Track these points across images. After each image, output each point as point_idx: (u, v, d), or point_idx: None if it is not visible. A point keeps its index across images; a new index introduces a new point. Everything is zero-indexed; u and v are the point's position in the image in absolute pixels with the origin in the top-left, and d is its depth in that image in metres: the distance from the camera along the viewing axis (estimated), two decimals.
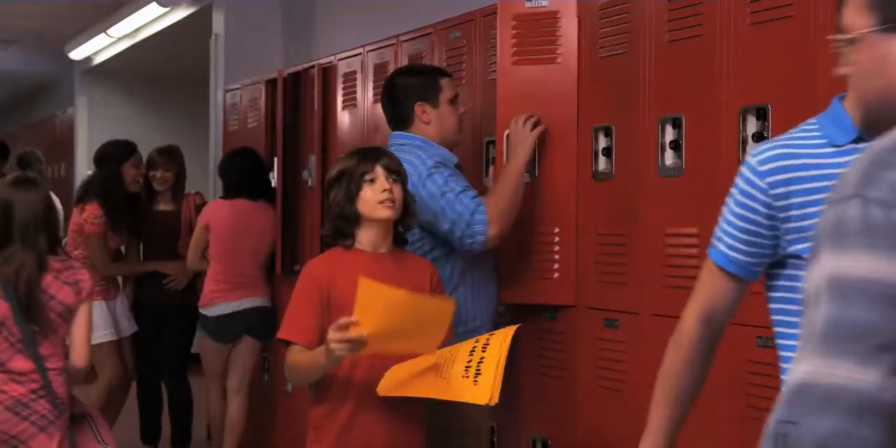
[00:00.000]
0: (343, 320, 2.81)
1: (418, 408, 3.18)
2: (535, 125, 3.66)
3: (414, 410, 3.16)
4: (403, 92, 3.73)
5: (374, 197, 3.12)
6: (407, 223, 3.23)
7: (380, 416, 3.08)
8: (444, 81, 3.75)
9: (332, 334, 2.83)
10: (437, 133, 3.70)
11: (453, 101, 3.74)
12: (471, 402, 2.84)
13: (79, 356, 3.75)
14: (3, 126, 15.76)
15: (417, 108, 3.69)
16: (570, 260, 3.67)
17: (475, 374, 2.85)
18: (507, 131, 3.71)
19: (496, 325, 3.80)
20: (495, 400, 2.82)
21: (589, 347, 3.60)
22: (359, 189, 3.13)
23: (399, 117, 3.75)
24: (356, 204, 3.13)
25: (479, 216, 3.49)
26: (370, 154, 3.21)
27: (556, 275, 3.69)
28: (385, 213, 3.13)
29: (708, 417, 3.14)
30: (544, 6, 3.73)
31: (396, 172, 3.17)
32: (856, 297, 1.29)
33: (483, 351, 2.91)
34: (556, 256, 3.69)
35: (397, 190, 3.15)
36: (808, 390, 1.27)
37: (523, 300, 3.78)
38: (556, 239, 3.69)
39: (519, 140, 3.64)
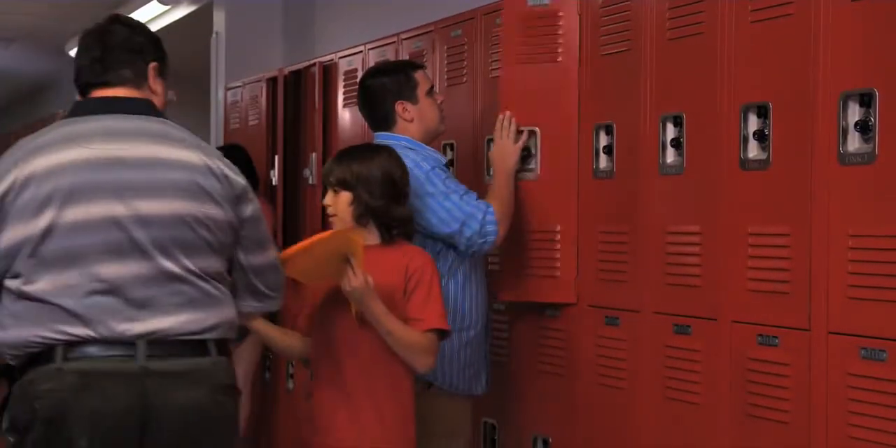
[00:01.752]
0: None
1: (409, 406, 3.21)
2: (517, 133, 3.70)
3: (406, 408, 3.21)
4: (380, 93, 3.67)
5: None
6: (386, 220, 3.25)
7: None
8: (418, 75, 3.70)
9: None
10: (419, 129, 3.66)
11: (430, 92, 3.71)
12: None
13: None
14: (4, 124, 15.76)
15: (398, 106, 3.65)
16: (571, 258, 3.67)
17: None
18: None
19: (491, 322, 3.82)
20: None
21: (590, 345, 3.60)
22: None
23: (380, 119, 3.71)
24: None
25: (490, 217, 3.51)
26: (327, 166, 3.32)
27: (557, 273, 3.69)
28: (334, 226, 3.26)
29: (708, 417, 3.15)
30: (546, 5, 3.72)
31: (342, 182, 3.23)
32: None
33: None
34: (558, 255, 3.69)
35: (341, 200, 3.23)
36: None
37: (524, 298, 3.78)
38: (558, 237, 3.69)
39: (505, 153, 3.68)
